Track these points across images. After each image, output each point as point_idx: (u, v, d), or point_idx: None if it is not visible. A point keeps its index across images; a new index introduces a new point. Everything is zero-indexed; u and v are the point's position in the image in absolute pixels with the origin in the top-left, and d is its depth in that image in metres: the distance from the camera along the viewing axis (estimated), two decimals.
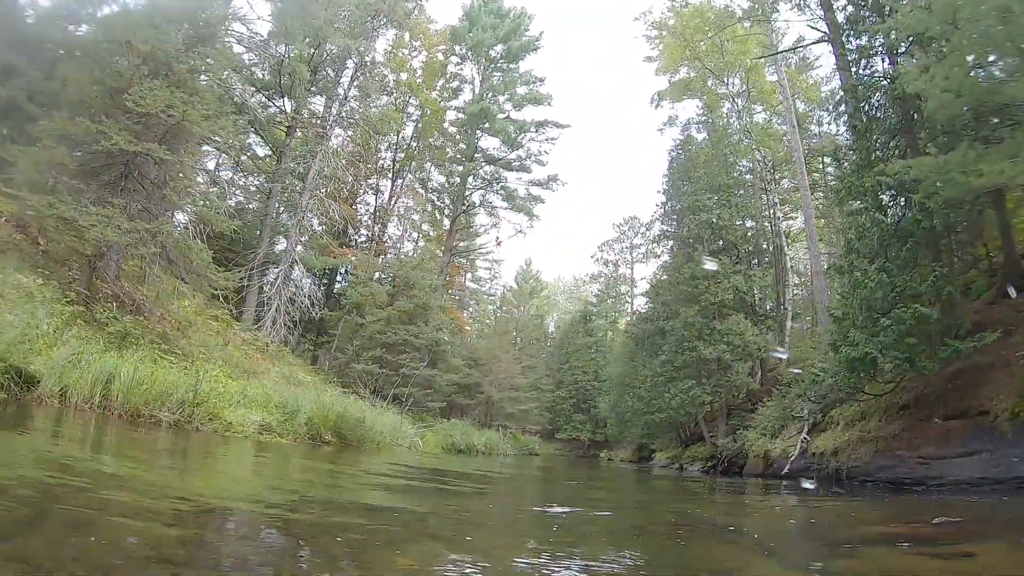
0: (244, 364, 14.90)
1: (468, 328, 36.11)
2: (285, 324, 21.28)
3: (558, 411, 46.85)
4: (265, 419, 9.18)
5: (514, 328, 38.80)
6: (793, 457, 14.41)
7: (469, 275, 53.84)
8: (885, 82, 12.23)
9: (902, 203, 11.82)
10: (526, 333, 44.30)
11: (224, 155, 30.91)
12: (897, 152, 12.41)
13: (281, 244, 24.28)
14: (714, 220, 23.21)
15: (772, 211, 27.70)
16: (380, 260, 23.52)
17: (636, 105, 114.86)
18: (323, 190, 25.07)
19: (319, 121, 27.53)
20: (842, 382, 12.08)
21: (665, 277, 25.41)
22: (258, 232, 24.27)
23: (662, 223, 26.57)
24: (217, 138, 16.55)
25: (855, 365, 10.76)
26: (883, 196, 11.71)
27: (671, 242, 25.71)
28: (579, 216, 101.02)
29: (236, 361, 14.55)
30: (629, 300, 57.90)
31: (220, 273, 12.53)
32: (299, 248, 23.69)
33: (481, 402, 29.15)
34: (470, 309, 49.63)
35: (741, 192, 25.70)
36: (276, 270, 21.81)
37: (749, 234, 26.02)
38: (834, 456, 13.30)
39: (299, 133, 27.08)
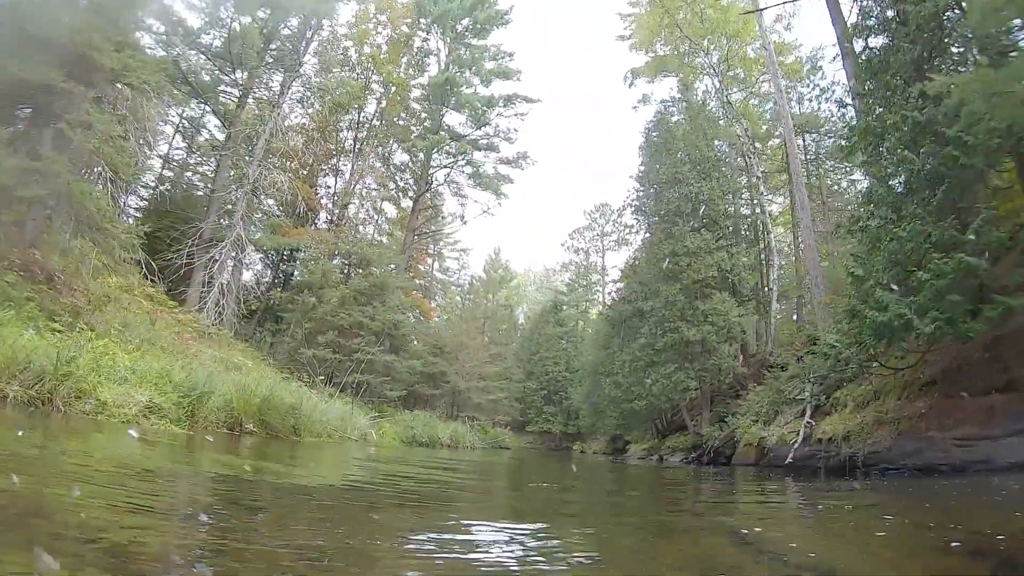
0: (173, 346, 12.76)
1: (434, 315, 33.91)
2: (229, 306, 19.02)
3: (529, 403, 45.26)
4: (154, 400, 7.06)
5: (482, 315, 36.68)
6: (797, 444, 12.77)
7: (436, 264, 51.82)
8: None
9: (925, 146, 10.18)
10: (495, 321, 42.33)
11: (179, 135, 28.51)
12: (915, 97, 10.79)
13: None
14: (695, 193, 21.59)
15: (754, 189, 26.24)
16: (333, 236, 21.21)
17: (617, 95, 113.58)
18: (275, 162, 22.73)
19: (272, 91, 25.20)
20: (861, 354, 10.40)
21: (643, 255, 23.69)
22: (205, 208, 21.92)
23: (637, 201, 24.79)
24: (145, 84, 14.33)
25: (882, 331, 9.07)
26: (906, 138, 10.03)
27: (649, 219, 23.98)
28: (560, 206, 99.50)
29: (163, 343, 12.42)
30: (600, 289, 56.46)
31: (122, 226, 10.42)
32: (249, 227, 21.37)
33: (447, 392, 27.07)
34: (438, 299, 47.51)
35: (723, 168, 24.14)
36: (220, 248, 19.45)
37: (730, 209, 24.49)
38: (845, 441, 11.67)
39: (251, 102, 24.76)
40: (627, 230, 53.99)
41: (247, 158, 20.65)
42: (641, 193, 25.62)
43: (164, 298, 17.17)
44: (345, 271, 19.62)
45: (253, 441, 8.19)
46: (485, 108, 30.82)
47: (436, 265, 51.43)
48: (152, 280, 17.32)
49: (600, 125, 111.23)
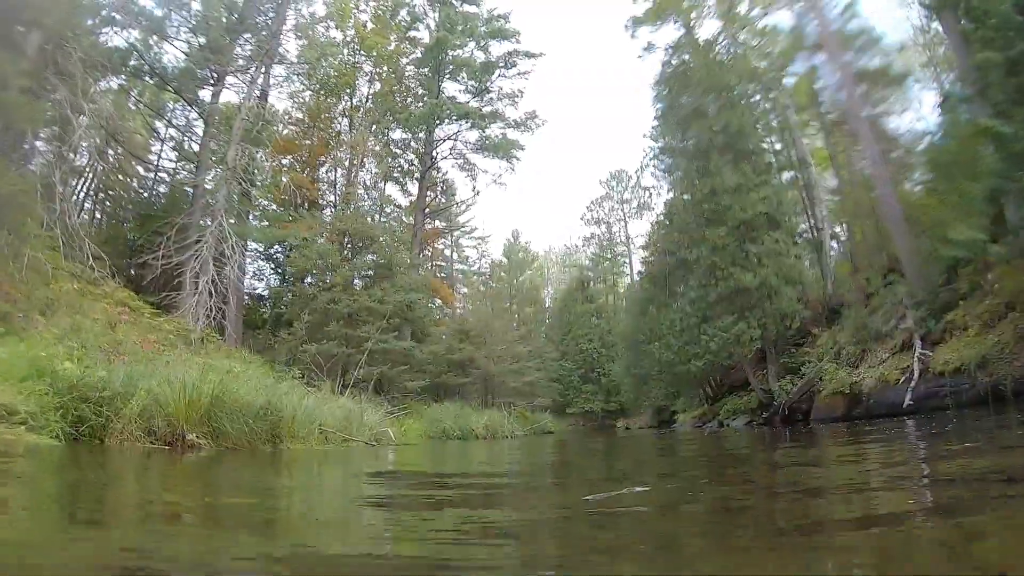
0: (135, 351, 10.66)
1: (456, 302, 31.62)
2: (221, 309, 17.02)
3: (567, 384, 43.02)
4: (10, 404, 4.88)
5: (507, 295, 34.30)
6: (913, 382, 10.23)
7: (456, 255, 49.62)
8: None
9: None
10: (520, 301, 40.03)
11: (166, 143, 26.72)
12: None
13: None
14: (723, 125, 19.01)
15: (784, 115, 23.33)
16: (330, 218, 18.92)
17: (624, 56, 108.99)
18: (259, 150, 20.62)
19: (249, 73, 23.06)
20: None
21: (678, 200, 21.08)
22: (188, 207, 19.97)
23: (659, 147, 22.29)
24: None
25: None
26: None
27: (677, 160, 21.37)
28: (576, 179, 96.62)
29: (126, 347, 10.38)
30: (627, 259, 53.71)
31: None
32: (233, 219, 19.32)
33: (478, 379, 24.82)
34: (460, 289, 45.36)
35: (750, 92, 21.41)
36: (199, 243, 17.43)
37: (763, 145, 21.78)
38: (981, 369, 9.16)
39: (229, 86, 22.70)
40: (647, 192, 51.49)
41: (225, 139, 18.56)
42: (661, 143, 23.12)
43: (140, 304, 15.27)
44: (345, 254, 17.41)
45: (190, 460, 5.93)
46: (483, 73, 28.38)
47: (455, 256, 49.32)
48: (124, 284, 15.67)
49: (607, 93, 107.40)
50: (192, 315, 16.22)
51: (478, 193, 29.52)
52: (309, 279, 17.19)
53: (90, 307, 12.32)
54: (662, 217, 24.03)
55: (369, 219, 17.58)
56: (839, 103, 18.62)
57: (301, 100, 30.13)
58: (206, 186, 19.75)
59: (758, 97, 21.93)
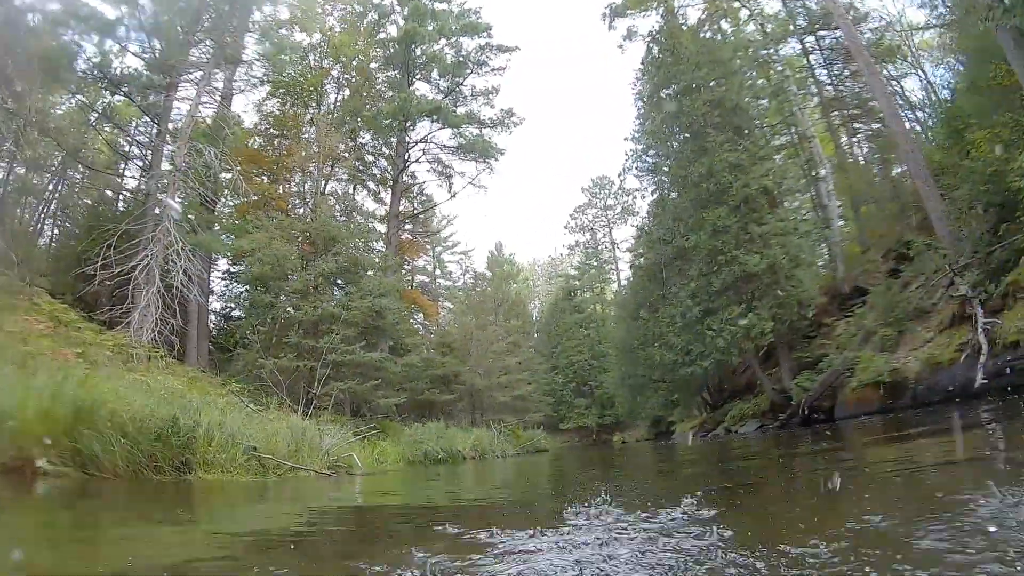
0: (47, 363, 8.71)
1: (438, 313, 29.42)
2: (166, 321, 15.02)
3: (559, 399, 41.05)
4: None
5: (492, 302, 32.23)
6: (984, 358, 8.43)
7: (439, 271, 47.61)
8: None
9: None
10: (507, 308, 38.01)
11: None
12: None
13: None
14: (718, 99, 17.49)
15: (782, 89, 21.87)
16: (289, 221, 16.83)
17: (600, 64, 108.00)
18: (209, 149, 18.68)
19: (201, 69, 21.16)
20: None
21: (672, 183, 19.35)
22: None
23: (648, 120, 20.70)
24: None
25: None
26: None
27: (668, 143, 19.74)
28: (556, 191, 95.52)
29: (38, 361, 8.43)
30: (613, 266, 52.07)
31: None
32: (187, 228, 17.32)
33: (464, 395, 22.70)
34: (442, 303, 43.25)
35: (744, 66, 19.96)
36: (144, 253, 15.43)
37: (763, 118, 20.32)
38: None
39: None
40: (631, 197, 49.96)
41: (171, 140, 16.64)
42: (650, 122, 21.53)
43: (75, 318, 13.39)
44: (308, 259, 15.36)
45: (37, 494, 3.96)
46: (456, 70, 26.77)
47: (439, 271, 47.26)
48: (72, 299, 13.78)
49: (586, 102, 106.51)
50: (135, 330, 14.20)
51: (454, 195, 27.58)
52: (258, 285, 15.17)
53: (4, 319, 10.40)
54: (654, 207, 22.27)
55: (334, 220, 15.59)
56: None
57: (267, 110, 28.33)
58: (159, 195, 17.78)
59: (753, 73, 20.48)
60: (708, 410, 28.73)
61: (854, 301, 17.42)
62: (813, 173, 20.76)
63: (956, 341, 9.49)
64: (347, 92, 29.03)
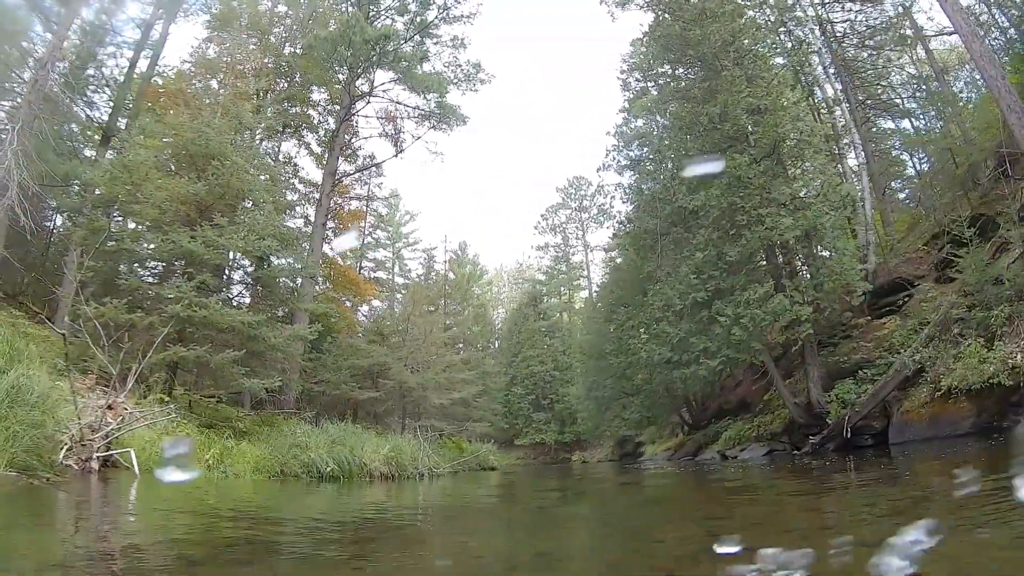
0: None
1: (372, 293, 24.59)
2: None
3: (515, 412, 36.76)
4: None
5: (439, 290, 27.63)
6: None
7: (397, 267, 42.87)
8: None
9: None
10: (457, 297, 33.44)
11: None
12: None
13: None
14: (731, 38, 13.65)
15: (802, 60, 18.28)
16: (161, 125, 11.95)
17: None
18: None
19: None
20: None
21: (673, 127, 15.29)
22: None
23: (648, 64, 16.76)
24: None
25: None
26: None
27: (675, 85, 15.75)
28: (528, 202, 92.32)
29: None
30: (585, 270, 48.11)
31: None
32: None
33: (393, 394, 18.02)
34: (398, 297, 38.49)
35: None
36: None
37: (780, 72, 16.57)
38: None
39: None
40: (608, 199, 46.37)
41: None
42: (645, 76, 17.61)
43: None
44: (169, 172, 10.66)
45: None
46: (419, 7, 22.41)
47: (397, 268, 42.56)
48: None
49: (562, 108, 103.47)
50: None
51: (403, 151, 22.96)
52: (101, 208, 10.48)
53: None
54: (651, 155, 18.20)
55: (215, 134, 10.98)
56: None
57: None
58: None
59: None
60: (686, 431, 24.87)
61: (893, 297, 13.70)
62: (836, 146, 17.12)
63: None
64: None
